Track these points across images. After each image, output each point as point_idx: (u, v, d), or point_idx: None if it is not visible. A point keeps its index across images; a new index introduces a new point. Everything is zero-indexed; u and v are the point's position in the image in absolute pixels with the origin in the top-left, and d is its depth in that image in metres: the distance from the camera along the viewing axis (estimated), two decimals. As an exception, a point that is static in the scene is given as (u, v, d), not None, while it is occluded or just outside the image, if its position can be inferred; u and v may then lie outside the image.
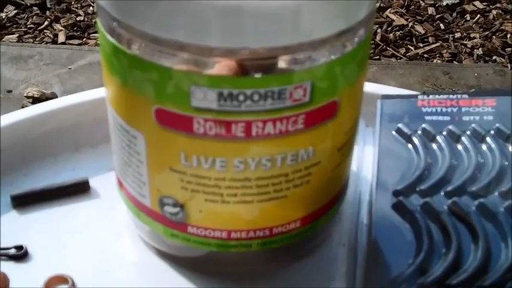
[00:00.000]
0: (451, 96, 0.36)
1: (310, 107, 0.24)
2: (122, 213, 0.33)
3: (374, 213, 0.31)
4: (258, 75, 0.23)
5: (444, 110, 0.36)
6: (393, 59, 1.36)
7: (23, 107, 1.13)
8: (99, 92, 0.38)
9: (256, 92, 0.23)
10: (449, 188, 0.31)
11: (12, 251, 0.32)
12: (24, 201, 0.34)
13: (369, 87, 0.36)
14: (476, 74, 1.31)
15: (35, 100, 1.13)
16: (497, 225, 0.29)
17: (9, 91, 1.18)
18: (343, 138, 0.28)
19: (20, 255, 0.31)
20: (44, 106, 0.37)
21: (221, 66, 0.23)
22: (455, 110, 0.35)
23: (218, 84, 0.23)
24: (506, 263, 0.27)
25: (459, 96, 0.36)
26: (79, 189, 0.35)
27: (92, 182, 0.35)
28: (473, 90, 1.19)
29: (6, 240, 0.32)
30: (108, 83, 0.27)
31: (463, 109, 0.35)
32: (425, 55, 1.38)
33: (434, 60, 1.36)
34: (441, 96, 0.37)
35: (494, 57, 1.37)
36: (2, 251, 0.32)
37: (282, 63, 0.23)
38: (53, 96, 1.15)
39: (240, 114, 0.24)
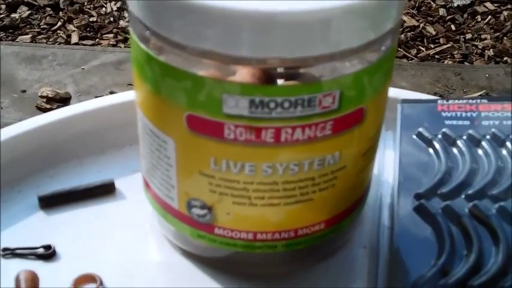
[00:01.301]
0: (470, 101, 0.37)
1: (338, 114, 0.25)
2: (148, 214, 0.33)
3: (396, 215, 0.31)
4: (288, 83, 0.24)
5: (464, 114, 0.36)
6: (404, 60, 1.36)
7: (37, 107, 1.14)
8: (123, 96, 0.39)
9: (287, 100, 0.24)
10: (470, 192, 0.31)
11: (41, 251, 0.32)
12: (51, 202, 0.35)
13: (389, 91, 0.36)
14: (487, 75, 1.31)
15: (49, 100, 1.13)
16: (518, 229, 0.29)
17: (24, 91, 1.19)
18: (368, 144, 0.28)
19: (48, 254, 0.32)
20: (70, 109, 0.38)
21: (246, 74, 0.24)
22: (474, 114, 0.36)
23: (250, 92, 0.24)
24: (527, 266, 0.28)
25: (478, 101, 0.37)
26: (105, 191, 0.36)
27: (118, 184, 0.36)
28: (493, 95, 1.19)
29: (34, 240, 0.33)
30: (139, 89, 0.28)
31: (483, 114, 0.36)
32: (436, 56, 1.38)
33: (446, 61, 1.36)
34: (460, 101, 0.37)
35: (505, 58, 1.37)
36: (31, 251, 0.32)
37: (312, 72, 0.24)
38: (67, 96, 1.16)
39: (270, 120, 0.24)
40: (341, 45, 0.23)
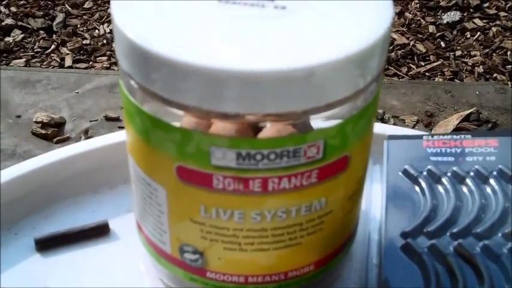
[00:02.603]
0: (454, 136, 0.38)
1: (322, 162, 0.26)
2: (141, 254, 0.34)
3: (383, 254, 0.32)
4: (273, 137, 0.25)
5: (448, 150, 0.37)
6: (395, 78, 1.38)
7: (32, 132, 1.15)
8: (116, 137, 0.39)
9: (273, 152, 0.25)
10: (454, 230, 0.32)
11: (37, 294, 0.33)
12: (47, 245, 0.36)
13: (376, 127, 0.37)
14: (477, 92, 1.32)
15: (44, 125, 1.14)
16: (501, 267, 0.30)
17: (18, 116, 1.19)
18: (354, 187, 0.29)
19: (45, 297, 0.33)
20: (64, 152, 0.38)
21: (230, 128, 0.25)
22: (459, 150, 0.37)
23: (237, 145, 0.24)
24: (510, 305, 0.28)
25: (463, 136, 0.38)
26: (99, 232, 0.36)
27: (112, 224, 0.37)
28: (476, 130, 1.20)
29: (31, 282, 0.33)
30: (129, 137, 0.29)
31: (467, 149, 0.37)
32: (426, 73, 1.39)
33: (436, 79, 1.38)
34: (445, 136, 0.38)
35: (494, 75, 1.39)
36: (27, 294, 0.33)
37: (298, 123, 0.25)
38: (62, 121, 1.17)
39: (257, 171, 0.25)
40: (327, 99, 0.24)
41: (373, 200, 0.38)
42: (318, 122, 0.25)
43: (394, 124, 1.24)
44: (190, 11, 0.26)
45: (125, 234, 0.36)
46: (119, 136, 0.39)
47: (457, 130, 1.22)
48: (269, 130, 0.25)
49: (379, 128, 0.40)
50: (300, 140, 0.25)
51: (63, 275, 0.34)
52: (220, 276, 0.30)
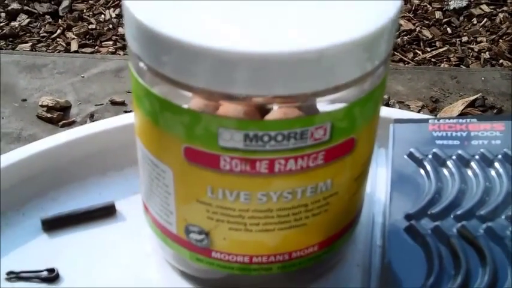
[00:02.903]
0: (460, 120, 0.38)
1: (329, 144, 0.26)
2: (148, 235, 0.34)
3: (387, 236, 0.32)
4: (281, 119, 0.25)
5: (454, 134, 0.37)
6: (401, 64, 1.37)
7: (38, 116, 1.15)
8: (123, 119, 0.40)
9: (280, 134, 0.25)
10: (458, 212, 0.32)
11: (44, 274, 0.33)
12: (54, 225, 0.36)
13: (382, 111, 0.37)
14: (483, 78, 1.32)
15: (50, 109, 1.15)
16: (504, 249, 0.31)
17: (24, 100, 1.20)
18: (360, 169, 0.29)
19: (52, 278, 0.33)
20: (71, 134, 0.39)
21: (239, 110, 0.25)
22: (464, 134, 0.37)
23: (245, 127, 0.25)
24: (511, 286, 0.29)
25: (468, 120, 0.38)
26: (106, 213, 0.37)
27: (118, 205, 0.37)
28: (482, 115, 1.20)
29: (38, 262, 0.34)
30: (138, 119, 0.29)
31: (472, 133, 0.37)
32: (432, 59, 1.39)
33: (442, 65, 1.37)
34: (451, 120, 0.38)
35: (501, 61, 1.38)
36: (35, 274, 0.33)
37: (306, 105, 0.25)
38: (67, 105, 1.18)
39: (264, 153, 0.25)
40: (335, 81, 0.25)
41: (378, 183, 0.38)
42: (324, 105, 0.25)
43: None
44: (197, -7, 0.26)
45: (131, 215, 0.37)
46: (126, 118, 0.40)
47: (462, 115, 1.22)
48: (276, 113, 0.25)
49: (385, 111, 0.40)
50: (307, 122, 0.25)
51: (70, 255, 0.35)
52: (225, 256, 0.30)
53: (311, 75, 0.24)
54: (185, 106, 0.25)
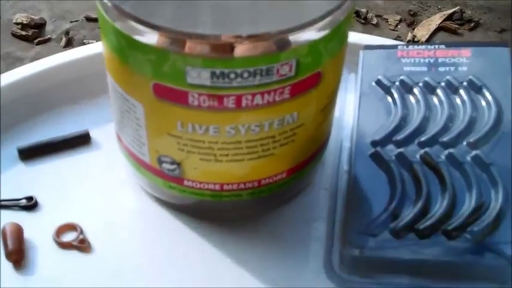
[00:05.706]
0: (429, 46, 0.39)
1: (295, 79, 0.27)
2: (122, 163, 0.35)
3: (353, 162, 0.34)
4: (246, 56, 0.25)
5: (422, 60, 0.38)
6: (380, -24, 1.35)
7: (12, 34, 1.13)
8: (96, 47, 0.40)
9: (246, 71, 0.25)
10: (422, 139, 0.34)
11: (23, 202, 0.34)
12: (31, 154, 0.37)
13: (352, 37, 0.38)
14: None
15: (24, 26, 1.12)
16: (464, 174, 0.32)
17: (-3, 17, 1.17)
18: (326, 101, 0.30)
19: (31, 205, 0.34)
20: (44, 63, 0.39)
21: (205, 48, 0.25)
22: (432, 60, 0.38)
23: (211, 65, 0.25)
24: (468, 210, 0.30)
25: (437, 46, 0.38)
26: (81, 141, 0.37)
27: (93, 133, 0.38)
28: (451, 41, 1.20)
29: (16, 191, 0.35)
30: (107, 55, 0.29)
31: (440, 60, 0.38)
32: (412, -29, 1.37)
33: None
34: (420, 46, 0.39)
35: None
36: (14, 202, 0.34)
37: (271, 43, 0.25)
38: (42, 21, 1.15)
39: (231, 89, 0.26)
40: (301, 19, 0.25)
41: (347, 108, 0.39)
42: (291, 42, 0.26)
43: (377, 23, 1.23)
44: None
45: (106, 143, 0.38)
46: (100, 47, 0.39)
47: (439, 29, 1.22)
48: (244, 48, 0.25)
49: (355, 37, 0.40)
50: (272, 59, 0.26)
51: (47, 183, 0.35)
52: (196, 184, 0.31)
53: (276, 14, 0.24)
54: (152, 43, 0.26)
